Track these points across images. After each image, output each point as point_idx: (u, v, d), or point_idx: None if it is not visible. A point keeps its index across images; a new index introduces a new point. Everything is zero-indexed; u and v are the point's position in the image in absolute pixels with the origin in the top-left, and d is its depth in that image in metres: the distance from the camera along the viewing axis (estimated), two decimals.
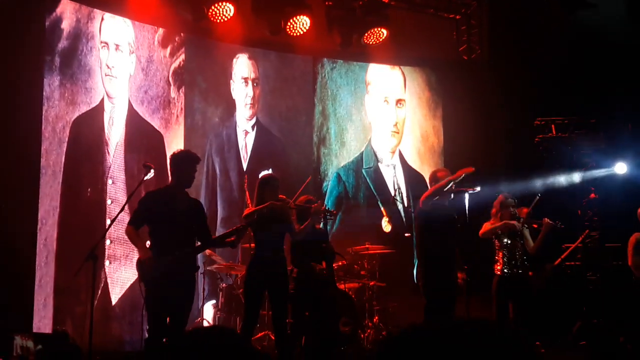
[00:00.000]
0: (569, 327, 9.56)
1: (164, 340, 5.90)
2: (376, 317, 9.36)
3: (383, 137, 11.43)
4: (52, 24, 8.57)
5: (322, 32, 10.32)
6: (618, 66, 10.27)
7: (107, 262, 8.71)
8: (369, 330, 9.20)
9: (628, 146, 10.52)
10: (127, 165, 9.07)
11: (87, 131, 8.83)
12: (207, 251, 8.91)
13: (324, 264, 7.75)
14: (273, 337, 7.68)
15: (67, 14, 8.73)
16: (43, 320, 8.05)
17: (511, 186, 9.11)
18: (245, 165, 10.26)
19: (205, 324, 8.78)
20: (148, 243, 6.20)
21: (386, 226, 11.05)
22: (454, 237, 7.31)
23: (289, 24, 9.92)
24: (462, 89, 11.30)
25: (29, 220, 8.09)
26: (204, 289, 8.86)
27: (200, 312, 8.82)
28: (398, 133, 11.52)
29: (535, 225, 7.87)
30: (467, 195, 7.22)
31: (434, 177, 7.54)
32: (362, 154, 11.26)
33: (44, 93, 8.40)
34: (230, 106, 10.31)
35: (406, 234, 10.68)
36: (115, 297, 8.79)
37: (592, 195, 10.51)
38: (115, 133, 9.11)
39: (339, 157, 11.11)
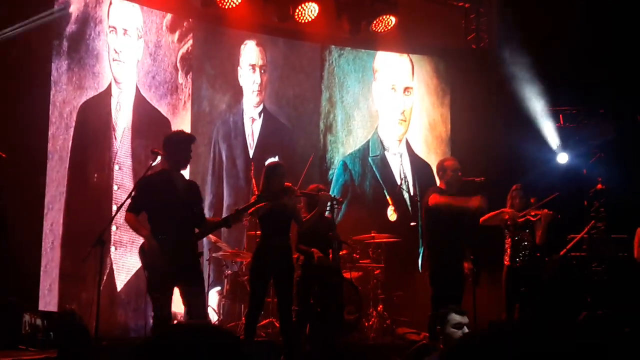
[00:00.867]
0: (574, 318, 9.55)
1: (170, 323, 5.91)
2: (380, 306, 9.37)
3: (390, 125, 11.39)
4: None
5: (330, 19, 10.27)
6: (629, 55, 10.22)
7: (112, 248, 8.71)
8: (373, 319, 9.21)
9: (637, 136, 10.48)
10: (134, 151, 9.06)
11: (94, 116, 8.83)
12: (213, 238, 8.92)
13: (330, 252, 7.74)
14: (278, 325, 7.69)
15: None
16: (48, 307, 8.05)
17: (518, 177, 9.07)
18: (251, 153, 10.24)
19: (210, 310, 8.79)
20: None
21: (392, 215, 11.02)
22: (461, 227, 7.31)
23: (297, 10, 9.87)
24: (471, 77, 11.23)
25: (35, 205, 8.10)
26: (209, 276, 8.85)
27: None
28: (405, 121, 11.47)
29: (532, 215, 7.82)
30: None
31: (441, 167, 7.54)
32: (368, 142, 11.22)
33: (52, 77, 8.39)
34: (237, 93, 10.28)
35: (412, 223, 10.66)
36: (120, 283, 8.81)
37: (599, 185, 10.49)
38: (122, 118, 9.10)
39: (345, 145, 11.08)
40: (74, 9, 8.68)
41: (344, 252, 9.03)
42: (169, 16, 9.67)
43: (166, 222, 6.00)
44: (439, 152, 11.39)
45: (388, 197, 11.06)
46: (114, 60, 9.08)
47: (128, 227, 8.47)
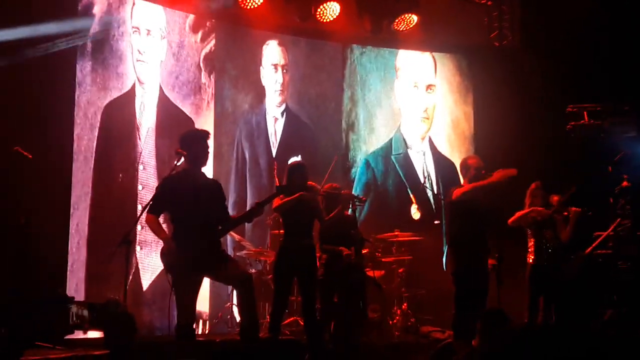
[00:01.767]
0: (600, 316, 9.48)
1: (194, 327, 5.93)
2: (405, 304, 9.36)
3: (413, 123, 11.37)
4: (84, 8, 8.64)
5: (352, 18, 10.27)
6: None
7: (138, 248, 8.77)
8: (397, 318, 9.21)
9: None
10: (158, 151, 9.12)
11: (119, 117, 8.89)
12: (237, 237, 8.95)
13: (352, 250, 7.74)
14: (302, 323, 7.70)
15: None
16: None
17: (543, 174, 9.01)
18: (274, 152, 10.27)
19: (235, 309, 8.82)
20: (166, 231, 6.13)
21: (415, 213, 11.00)
22: (484, 225, 7.27)
23: (319, 10, 9.89)
24: (494, 75, 11.19)
25: (61, 205, 8.17)
26: None
27: (230, 298, 8.88)
28: (428, 119, 11.46)
29: (565, 213, 7.81)
30: None
31: (465, 165, 7.49)
32: (391, 140, 11.21)
33: (76, 78, 8.46)
34: (259, 93, 10.31)
35: (435, 221, 10.64)
36: (146, 282, 8.86)
37: (625, 183, 10.38)
38: (146, 119, 9.16)
39: (367, 144, 11.08)
40: (97, 10, 8.75)
41: (366, 250, 9.03)
42: (191, 16, 9.72)
43: (187, 221, 5.99)
44: (462, 150, 11.36)
45: (411, 195, 11.04)
46: (137, 60, 9.14)
47: None
